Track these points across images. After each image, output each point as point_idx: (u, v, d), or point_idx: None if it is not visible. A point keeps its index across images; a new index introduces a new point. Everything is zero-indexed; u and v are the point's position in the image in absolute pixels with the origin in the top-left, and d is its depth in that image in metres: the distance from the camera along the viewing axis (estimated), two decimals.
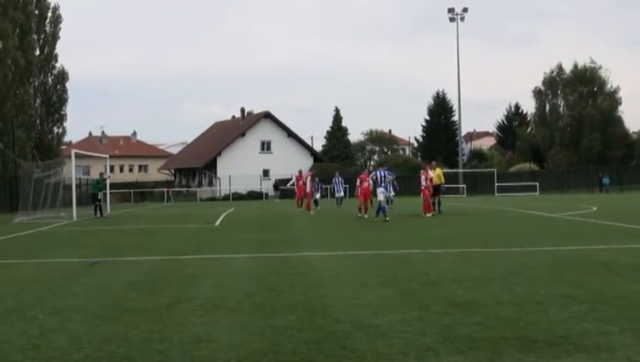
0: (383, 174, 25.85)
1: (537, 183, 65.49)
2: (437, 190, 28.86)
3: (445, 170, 74.20)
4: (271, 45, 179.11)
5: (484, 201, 45.32)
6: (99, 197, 33.38)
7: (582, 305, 7.56)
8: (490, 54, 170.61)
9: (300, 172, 36.86)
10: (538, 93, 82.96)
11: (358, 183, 27.94)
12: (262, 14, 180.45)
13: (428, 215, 26.55)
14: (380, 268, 11.02)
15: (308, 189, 33.84)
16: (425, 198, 27.44)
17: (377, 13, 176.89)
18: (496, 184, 65.49)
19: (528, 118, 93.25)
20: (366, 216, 25.99)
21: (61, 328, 6.92)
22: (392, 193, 38.12)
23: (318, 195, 36.15)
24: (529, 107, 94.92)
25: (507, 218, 25.56)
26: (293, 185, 37.36)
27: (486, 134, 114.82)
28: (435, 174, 28.97)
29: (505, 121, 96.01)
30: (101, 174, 36.08)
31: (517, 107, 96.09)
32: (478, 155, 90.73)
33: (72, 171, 34.92)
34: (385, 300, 8.07)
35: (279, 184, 67.30)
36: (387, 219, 23.83)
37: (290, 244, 15.87)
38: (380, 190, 25.19)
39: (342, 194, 38.49)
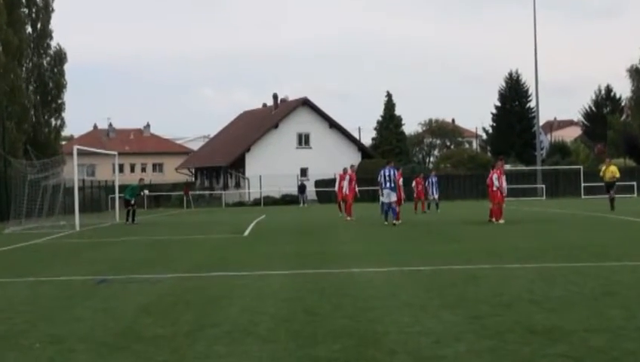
0: (389, 173, 27.47)
1: (634, 183, 64.54)
2: (610, 187, 34.77)
3: (519, 167, 73.68)
4: (305, 20, 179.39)
5: (568, 205, 44.90)
6: (132, 202, 35.28)
7: None
8: (573, 28, 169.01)
9: (345, 170, 36.50)
10: (635, 73, 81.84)
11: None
12: None
13: (500, 221, 26.38)
14: (443, 287, 10.98)
15: (347, 191, 33.75)
16: (496, 202, 27.19)
17: None
18: (582, 184, 64.77)
19: (622, 103, 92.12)
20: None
21: (62, 359, 7.00)
22: (436, 195, 39.25)
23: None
24: (623, 90, 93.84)
25: (598, 225, 25.27)
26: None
27: (570, 123, 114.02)
28: (609, 170, 35.27)
29: (593, 108, 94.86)
30: (141, 180, 37.32)
31: (608, 90, 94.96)
32: (559, 149, 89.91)
33: (74, 171, 35.22)
34: (449, 326, 8.03)
35: (304, 188, 67.16)
36: (394, 223, 26.55)
37: (332, 258, 15.89)
38: (386, 191, 27.17)
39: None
